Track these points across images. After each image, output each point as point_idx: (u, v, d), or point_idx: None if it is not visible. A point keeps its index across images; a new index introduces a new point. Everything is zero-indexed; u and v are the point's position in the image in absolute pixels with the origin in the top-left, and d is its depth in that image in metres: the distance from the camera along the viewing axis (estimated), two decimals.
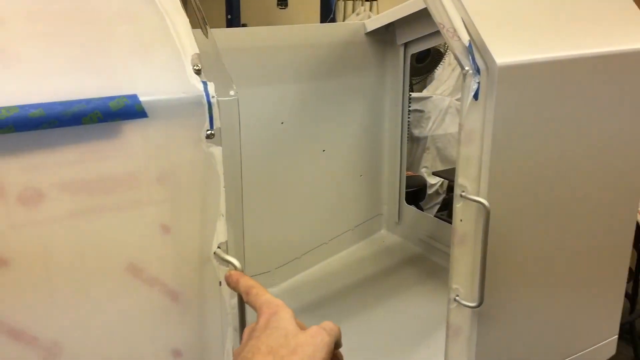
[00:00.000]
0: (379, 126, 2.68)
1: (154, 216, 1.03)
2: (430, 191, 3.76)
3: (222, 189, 1.08)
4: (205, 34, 1.11)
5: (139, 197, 1.01)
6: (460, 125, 1.39)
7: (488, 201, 1.37)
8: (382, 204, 2.78)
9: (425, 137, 3.98)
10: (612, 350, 1.89)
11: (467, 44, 1.35)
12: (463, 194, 1.42)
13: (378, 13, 4.72)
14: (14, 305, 0.94)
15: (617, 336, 1.88)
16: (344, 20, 4.66)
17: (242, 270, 1.07)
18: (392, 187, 2.74)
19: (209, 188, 1.07)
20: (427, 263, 2.59)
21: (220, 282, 1.12)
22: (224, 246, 1.10)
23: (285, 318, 0.85)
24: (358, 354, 1.93)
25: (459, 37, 1.35)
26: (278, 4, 4.43)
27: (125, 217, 1.01)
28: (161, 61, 1.02)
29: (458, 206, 1.43)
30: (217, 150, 1.05)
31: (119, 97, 0.96)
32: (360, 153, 2.65)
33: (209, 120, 1.03)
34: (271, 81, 2.27)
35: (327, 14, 4.30)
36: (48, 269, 0.96)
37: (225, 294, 1.12)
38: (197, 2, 1.15)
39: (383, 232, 2.83)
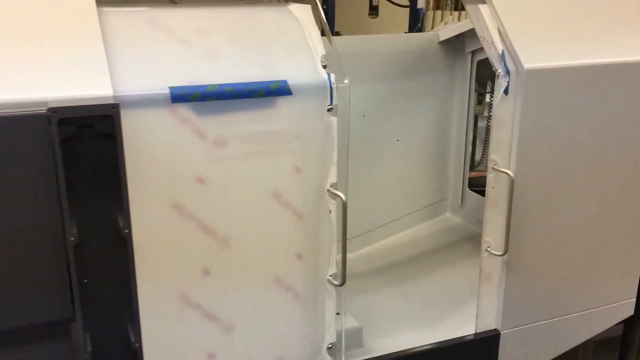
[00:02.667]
0: (448, 122, 3.13)
1: (291, 161, 1.57)
2: None
3: (335, 146, 1.60)
4: (329, 40, 1.63)
5: (282, 147, 1.55)
6: (493, 114, 1.84)
7: (515, 173, 1.81)
8: (448, 190, 3.23)
9: None
10: (630, 311, 2.24)
11: (500, 52, 1.80)
12: (494, 167, 1.86)
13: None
14: (205, 208, 1.49)
15: (635, 298, 2.24)
16: (432, 28, 4.97)
17: (346, 203, 1.59)
18: (457, 175, 3.18)
19: (326, 144, 1.59)
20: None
21: (330, 211, 1.64)
22: (334, 186, 1.62)
23: None
24: (422, 307, 2.38)
25: (495, 47, 1.81)
26: (369, 14, 4.81)
27: (274, 159, 1.54)
28: (302, 59, 1.55)
29: (490, 176, 1.87)
30: (333, 119, 1.58)
31: (276, 81, 1.50)
32: (430, 144, 3.11)
33: (330, 98, 1.56)
34: (355, 81, 2.75)
35: (415, 22, 4.60)
36: (227, 188, 1.51)
37: (334, 219, 1.64)
38: (323, 17, 1.67)
39: (448, 214, 3.27)
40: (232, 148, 1.49)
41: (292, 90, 1.51)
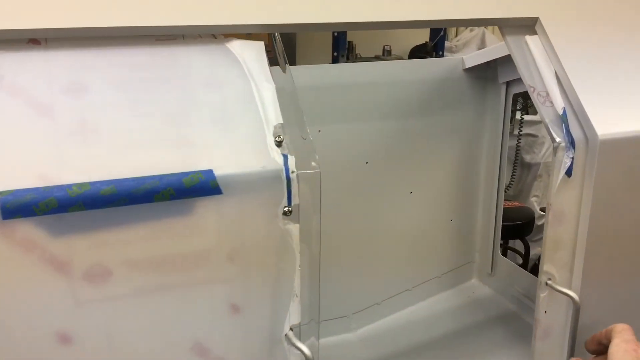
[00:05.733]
0: (474, 168, 2.51)
1: (223, 295, 0.97)
2: (539, 222, 3.45)
3: (298, 269, 0.99)
4: (284, 69, 1.03)
5: (208, 275, 0.95)
6: (548, 204, 1.20)
7: (580, 294, 1.19)
8: (474, 251, 2.60)
9: (538, 164, 3.70)
10: None
11: (561, 112, 1.17)
12: (549, 282, 1.23)
13: (493, 30, 4.51)
14: None
15: None
16: (456, 35, 4.45)
17: None
18: (485, 234, 2.56)
19: (283, 266, 0.99)
20: (519, 323, 2.37)
21: None
22: (297, 329, 1.02)
23: None
24: None
25: (551, 102, 1.18)
26: None
27: (194, 295, 0.95)
28: (242, 132, 0.95)
29: (542, 296, 1.24)
30: (294, 228, 0.97)
31: (194, 172, 0.90)
32: (451, 196, 2.50)
33: (287, 196, 0.95)
34: (357, 118, 2.17)
35: (438, 30, 4.16)
36: (111, 349, 0.91)
37: None
38: (280, 42, 1.07)
39: (474, 281, 2.65)
40: (118, 283, 0.89)
41: (222, 187, 0.91)
